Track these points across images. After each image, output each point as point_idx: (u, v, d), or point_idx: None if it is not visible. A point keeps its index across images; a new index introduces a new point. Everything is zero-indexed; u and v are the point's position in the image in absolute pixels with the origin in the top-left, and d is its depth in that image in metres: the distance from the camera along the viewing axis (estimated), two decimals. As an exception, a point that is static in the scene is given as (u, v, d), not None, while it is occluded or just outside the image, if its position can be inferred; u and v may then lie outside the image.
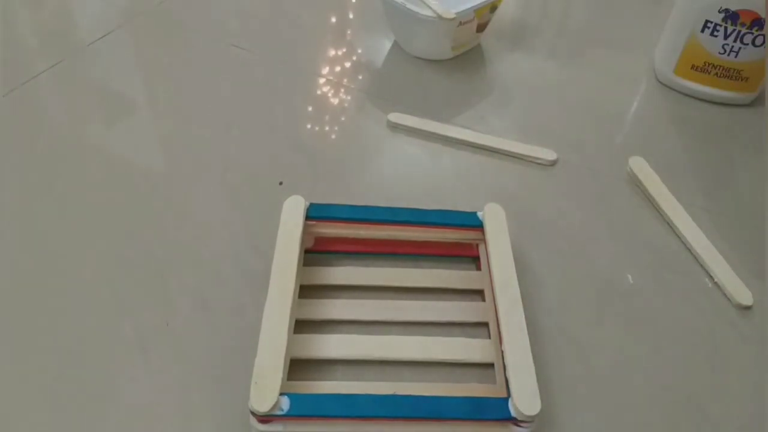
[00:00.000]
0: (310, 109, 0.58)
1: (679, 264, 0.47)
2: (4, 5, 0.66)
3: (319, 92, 0.60)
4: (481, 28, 0.62)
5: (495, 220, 0.43)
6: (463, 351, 0.40)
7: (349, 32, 0.68)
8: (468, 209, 0.44)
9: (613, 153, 0.56)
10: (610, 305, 0.44)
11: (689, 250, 0.48)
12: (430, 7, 0.58)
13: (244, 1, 0.70)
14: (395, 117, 0.56)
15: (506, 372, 0.36)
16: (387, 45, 0.65)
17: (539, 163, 0.54)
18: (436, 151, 0.55)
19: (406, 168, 0.53)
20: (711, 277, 0.46)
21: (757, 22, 0.56)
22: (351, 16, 0.71)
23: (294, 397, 0.34)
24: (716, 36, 0.57)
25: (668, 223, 0.49)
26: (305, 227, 0.42)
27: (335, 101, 0.59)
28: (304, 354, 0.38)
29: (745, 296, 0.44)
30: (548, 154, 0.54)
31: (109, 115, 0.56)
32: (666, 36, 0.62)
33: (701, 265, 0.47)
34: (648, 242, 0.48)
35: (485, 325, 0.41)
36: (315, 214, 0.43)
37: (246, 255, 0.45)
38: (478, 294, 0.43)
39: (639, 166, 0.53)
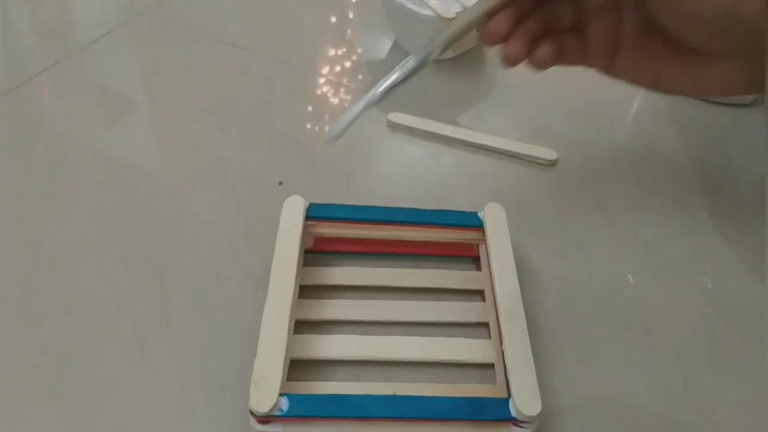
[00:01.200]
0: (310, 108, 0.58)
1: (679, 263, 0.47)
2: (3, 4, 0.66)
3: (319, 92, 0.60)
4: (481, 27, 0.62)
5: (495, 220, 0.43)
6: (464, 351, 0.40)
7: (349, 32, 0.68)
8: (468, 209, 0.44)
9: (614, 152, 0.56)
10: (610, 305, 0.44)
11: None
12: (431, 7, 0.58)
13: (244, 1, 0.70)
14: (395, 117, 0.56)
15: (507, 372, 0.36)
16: (387, 44, 0.65)
17: (540, 163, 0.54)
18: (437, 151, 0.55)
19: (406, 168, 0.53)
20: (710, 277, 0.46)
21: (757, 22, 0.56)
22: (351, 15, 0.71)
23: (294, 398, 0.34)
24: (717, 35, 0.57)
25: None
26: (305, 227, 0.42)
27: (335, 101, 0.59)
28: (304, 354, 0.38)
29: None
30: (549, 154, 0.54)
31: (109, 114, 0.56)
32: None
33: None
34: (648, 242, 0.48)
35: (485, 325, 0.41)
36: (315, 214, 0.43)
37: (246, 255, 0.45)
38: (478, 294, 0.43)
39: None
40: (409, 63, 0.34)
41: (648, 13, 0.34)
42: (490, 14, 0.33)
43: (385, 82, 0.34)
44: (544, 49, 0.34)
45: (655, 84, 0.37)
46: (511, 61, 0.34)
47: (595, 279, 0.45)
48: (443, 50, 0.34)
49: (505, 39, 0.34)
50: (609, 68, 0.37)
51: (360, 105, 0.33)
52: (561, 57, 0.36)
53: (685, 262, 0.47)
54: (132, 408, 0.36)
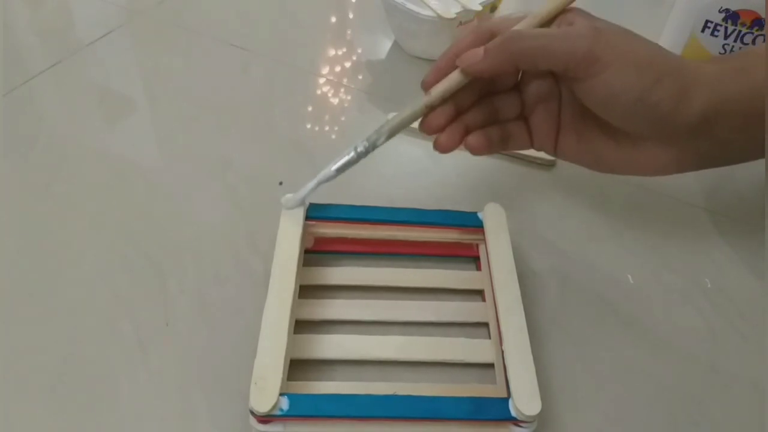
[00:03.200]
0: (310, 109, 0.58)
1: (679, 263, 0.47)
2: (3, 4, 0.66)
3: (319, 92, 0.60)
4: (481, 27, 0.62)
5: (495, 220, 0.43)
6: (463, 351, 0.40)
7: (349, 32, 0.68)
8: (468, 209, 0.44)
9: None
10: (610, 305, 0.44)
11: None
12: (430, 7, 0.58)
13: (244, 1, 0.70)
14: (395, 117, 0.56)
15: (506, 372, 0.36)
16: (387, 45, 0.65)
17: (540, 163, 0.54)
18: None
19: (406, 168, 0.53)
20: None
21: (757, 22, 0.56)
22: (351, 15, 0.71)
23: (294, 398, 0.34)
24: (716, 36, 0.57)
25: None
26: (305, 227, 0.42)
27: (335, 101, 0.59)
28: (304, 354, 0.38)
29: None
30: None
31: (109, 114, 0.56)
32: (666, 36, 0.62)
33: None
34: (648, 242, 0.48)
35: (485, 325, 0.41)
36: (315, 214, 0.43)
37: (246, 255, 0.45)
38: (478, 294, 0.43)
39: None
40: (360, 147, 0.39)
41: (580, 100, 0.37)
42: (432, 107, 0.38)
43: (338, 161, 0.39)
44: (473, 138, 0.39)
45: (596, 164, 0.41)
46: (440, 149, 0.39)
47: (595, 279, 0.45)
48: (389, 137, 0.39)
49: (441, 131, 0.38)
50: (554, 151, 0.41)
51: (313, 182, 0.40)
52: (507, 144, 0.41)
53: (685, 262, 0.47)
54: (132, 408, 0.36)
